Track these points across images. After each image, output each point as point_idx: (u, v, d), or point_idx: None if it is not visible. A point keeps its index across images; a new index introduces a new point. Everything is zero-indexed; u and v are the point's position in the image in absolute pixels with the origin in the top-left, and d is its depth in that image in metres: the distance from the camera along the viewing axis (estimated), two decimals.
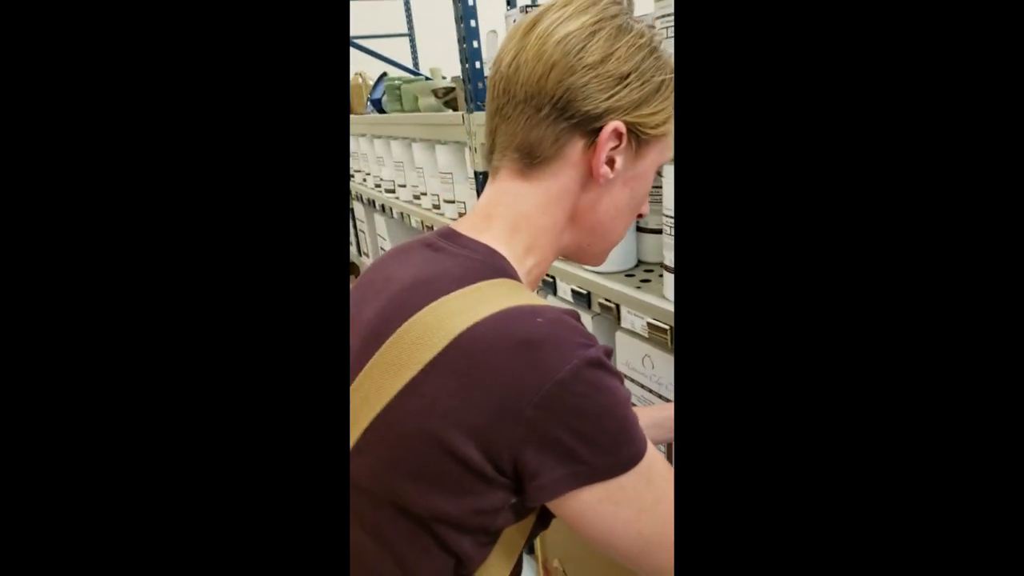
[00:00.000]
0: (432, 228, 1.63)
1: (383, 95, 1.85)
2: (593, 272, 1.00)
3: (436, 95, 1.50)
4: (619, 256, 0.99)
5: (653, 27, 0.51)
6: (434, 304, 0.44)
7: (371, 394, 0.44)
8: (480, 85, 1.24)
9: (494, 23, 1.66)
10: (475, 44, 1.22)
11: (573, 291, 1.04)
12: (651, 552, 0.45)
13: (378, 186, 2.05)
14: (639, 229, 1.01)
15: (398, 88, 1.72)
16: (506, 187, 0.51)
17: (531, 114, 0.47)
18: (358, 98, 2.22)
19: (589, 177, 0.50)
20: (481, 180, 1.28)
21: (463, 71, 1.24)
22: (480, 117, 1.23)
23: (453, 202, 1.51)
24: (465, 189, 1.44)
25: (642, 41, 0.48)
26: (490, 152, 0.53)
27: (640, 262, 1.02)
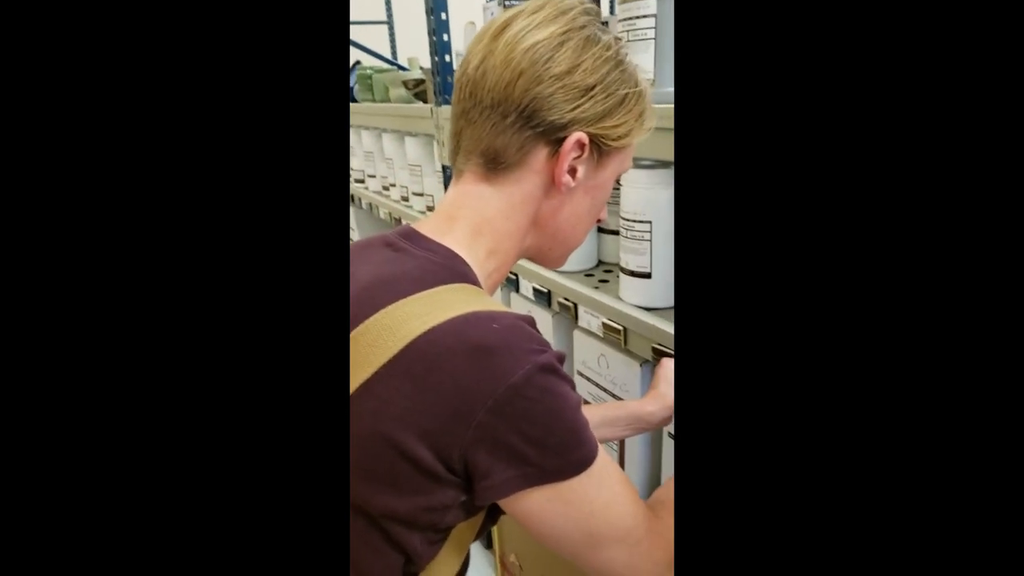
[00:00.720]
0: (400, 220, 1.62)
1: (355, 84, 1.82)
2: (554, 271, 1.00)
3: (407, 86, 1.48)
4: (580, 256, 0.99)
5: (620, 39, 0.51)
6: (392, 306, 0.44)
7: None
8: (449, 79, 1.23)
9: (472, 14, 1.65)
10: (445, 37, 1.21)
11: (534, 289, 1.04)
12: (600, 549, 0.46)
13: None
14: (600, 230, 1.02)
15: (369, 78, 1.70)
16: (470, 190, 0.52)
17: (497, 121, 0.48)
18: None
19: (552, 185, 0.51)
20: (448, 174, 1.28)
21: (432, 64, 1.23)
22: (448, 111, 1.22)
23: (421, 195, 1.50)
24: (433, 182, 1.43)
25: (608, 54, 0.48)
26: (455, 154, 0.53)
27: (600, 262, 1.03)
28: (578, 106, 0.47)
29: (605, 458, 0.46)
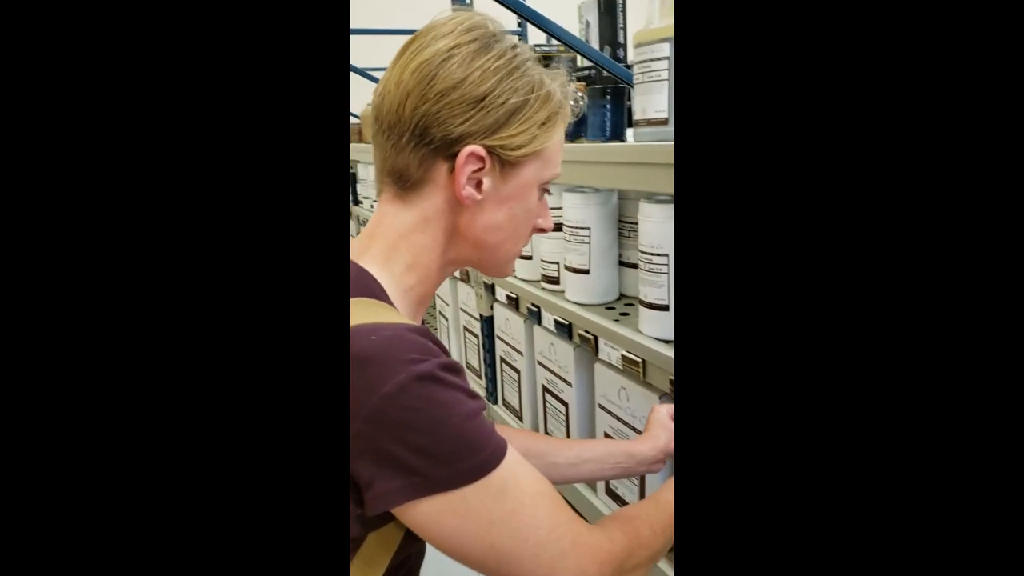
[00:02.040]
0: None
1: None
2: (576, 304, 1.02)
3: None
4: (601, 289, 1.01)
5: (517, 47, 0.52)
6: None
7: None
8: None
9: None
10: None
11: (556, 321, 1.06)
12: (509, 565, 0.45)
13: None
14: (622, 264, 1.03)
15: None
16: (387, 209, 0.54)
17: (395, 141, 0.50)
18: (368, 128, 2.32)
19: (457, 198, 0.52)
20: None
21: None
22: None
23: None
24: None
25: (500, 63, 0.49)
26: (377, 175, 0.56)
27: (622, 295, 1.04)
28: (467, 119, 0.48)
29: (514, 467, 0.45)
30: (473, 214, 0.53)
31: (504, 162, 0.51)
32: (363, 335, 0.44)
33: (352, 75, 2.59)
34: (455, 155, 0.49)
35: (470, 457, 0.44)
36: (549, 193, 0.58)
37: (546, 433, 1.20)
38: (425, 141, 0.49)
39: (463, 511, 0.44)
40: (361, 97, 2.66)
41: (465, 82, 0.48)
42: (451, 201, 0.52)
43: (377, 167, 0.54)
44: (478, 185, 0.51)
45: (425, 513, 0.44)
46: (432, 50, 0.48)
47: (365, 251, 0.54)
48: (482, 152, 0.50)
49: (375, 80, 2.68)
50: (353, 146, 2.46)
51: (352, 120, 2.57)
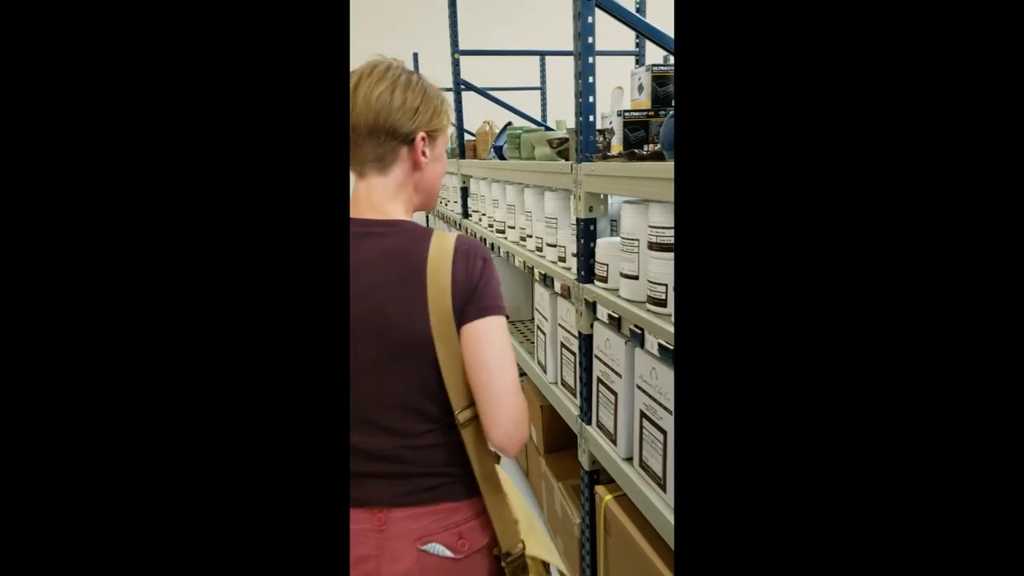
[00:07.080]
0: (533, 269, 1.68)
1: (505, 143, 1.96)
2: None
3: (551, 145, 1.57)
4: None
5: (421, 76, 0.90)
6: (431, 242, 0.84)
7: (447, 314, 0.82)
8: (592, 137, 1.29)
9: (620, 79, 1.72)
10: (591, 99, 1.27)
11: (660, 346, 1.02)
12: (503, 374, 0.83)
13: (491, 226, 2.15)
14: None
15: (518, 137, 1.82)
16: (375, 183, 0.89)
17: (375, 140, 0.86)
18: (484, 144, 2.39)
19: (414, 165, 0.89)
20: (582, 226, 1.31)
21: (576, 123, 1.29)
22: (588, 167, 1.27)
23: (555, 246, 1.55)
24: (567, 234, 1.48)
25: (419, 88, 0.87)
26: (353, 164, 0.89)
27: None
28: (414, 120, 0.86)
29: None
30: (423, 172, 0.91)
31: (432, 138, 0.90)
32: (463, 238, 0.87)
33: (471, 94, 2.70)
34: (412, 140, 0.87)
35: (501, 302, 0.87)
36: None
37: (641, 462, 1.16)
38: (394, 136, 0.86)
39: (500, 327, 0.85)
40: (478, 115, 2.77)
41: (407, 101, 0.86)
42: (411, 167, 0.90)
43: (359, 158, 0.87)
44: (424, 154, 0.89)
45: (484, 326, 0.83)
46: (383, 87, 0.85)
47: (391, 214, 0.88)
48: (424, 135, 0.88)
49: (493, 100, 2.78)
50: (467, 161, 2.55)
51: (467, 137, 2.66)
